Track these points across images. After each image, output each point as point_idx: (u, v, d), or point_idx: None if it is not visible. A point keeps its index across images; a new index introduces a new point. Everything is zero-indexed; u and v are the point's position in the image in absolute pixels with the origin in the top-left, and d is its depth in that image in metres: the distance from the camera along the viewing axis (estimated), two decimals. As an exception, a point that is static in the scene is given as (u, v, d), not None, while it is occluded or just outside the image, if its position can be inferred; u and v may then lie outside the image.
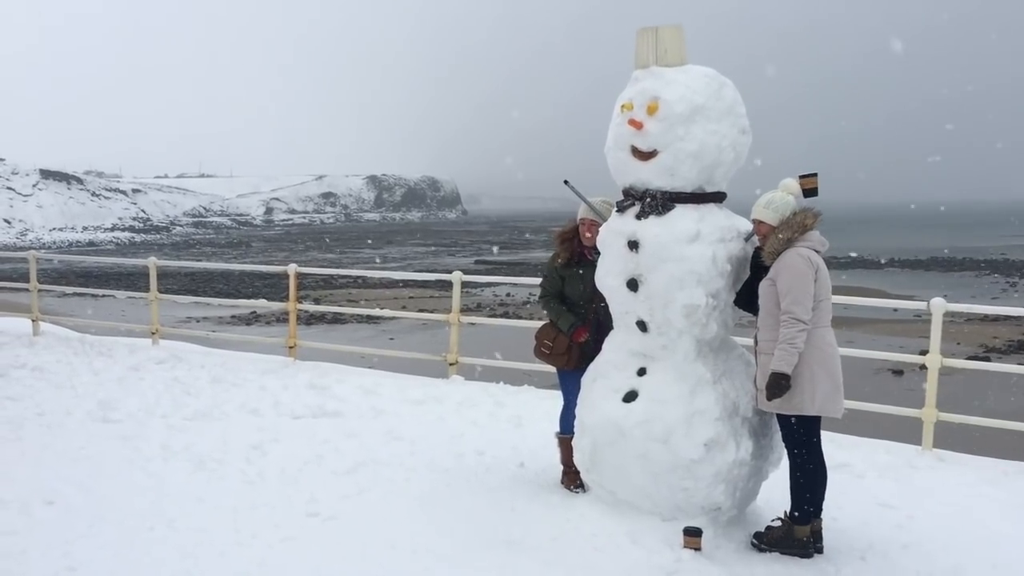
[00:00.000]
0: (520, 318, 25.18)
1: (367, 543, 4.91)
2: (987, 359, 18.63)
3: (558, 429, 5.88)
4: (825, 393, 4.67)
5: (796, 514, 4.81)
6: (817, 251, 4.74)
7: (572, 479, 5.74)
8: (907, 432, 7.61)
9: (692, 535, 4.77)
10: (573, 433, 5.54)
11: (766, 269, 4.82)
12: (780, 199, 4.80)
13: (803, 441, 4.79)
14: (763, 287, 4.78)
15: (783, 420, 4.82)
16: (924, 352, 7.36)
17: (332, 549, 4.84)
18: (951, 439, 7.50)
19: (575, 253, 5.65)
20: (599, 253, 5.32)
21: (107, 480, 5.96)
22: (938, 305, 7.09)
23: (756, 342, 4.87)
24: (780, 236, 4.70)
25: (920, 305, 7.43)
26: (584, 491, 5.60)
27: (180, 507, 5.42)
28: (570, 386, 5.74)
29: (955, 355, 15.09)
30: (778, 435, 5.11)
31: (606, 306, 5.38)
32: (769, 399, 4.69)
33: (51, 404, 8.00)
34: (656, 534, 4.87)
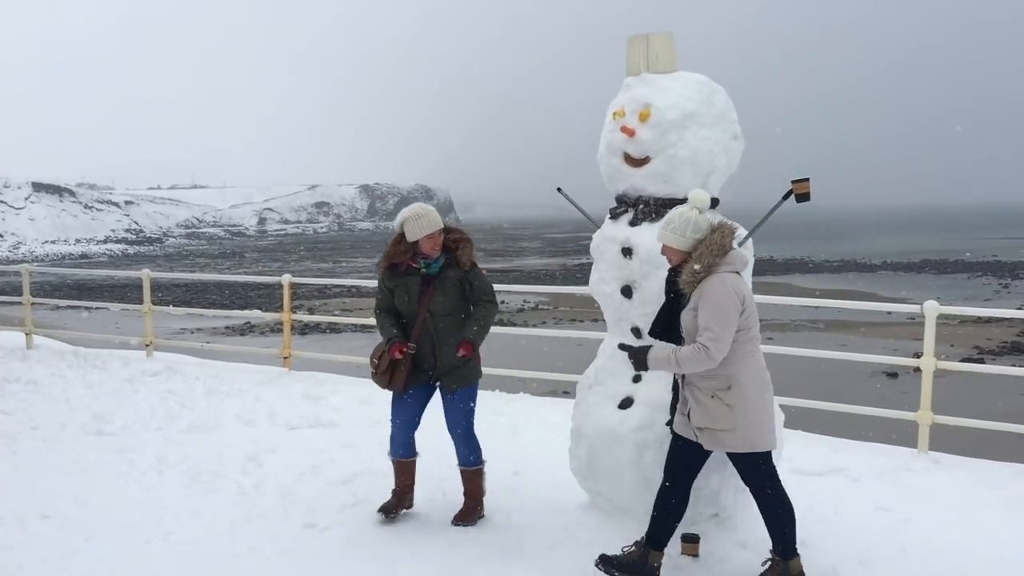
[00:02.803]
0: (515, 325, 25.20)
1: (364, 554, 4.90)
2: (981, 361, 18.69)
3: (458, 462, 5.46)
4: (771, 422, 4.36)
5: (780, 548, 4.41)
6: (738, 271, 4.32)
7: (389, 504, 5.38)
8: (902, 435, 7.62)
9: (689, 541, 4.77)
10: (403, 457, 5.40)
11: (680, 295, 4.39)
12: (678, 217, 4.31)
13: (772, 474, 4.43)
14: (686, 318, 4.31)
15: (745, 459, 4.38)
16: (918, 355, 7.38)
17: (329, 560, 4.83)
18: (947, 442, 7.51)
19: (402, 261, 5.13)
20: (427, 261, 5.09)
21: (102, 493, 5.94)
22: (931, 308, 7.11)
23: (684, 377, 4.42)
24: (702, 262, 4.20)
25: (913, 308, 7.45)
26: (391, 519, 5.30)
27: (176, 520, 5.40)
28: (396, 408, 5.37)
29: (949, 357, 15.15)
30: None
31: (439, 318, 5.11)
32: (632, 362, 4.47)
33: (45, 418, 7.97)
34: (654, 541, 4.86)
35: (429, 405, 5.43)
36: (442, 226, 5.07)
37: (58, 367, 10.48)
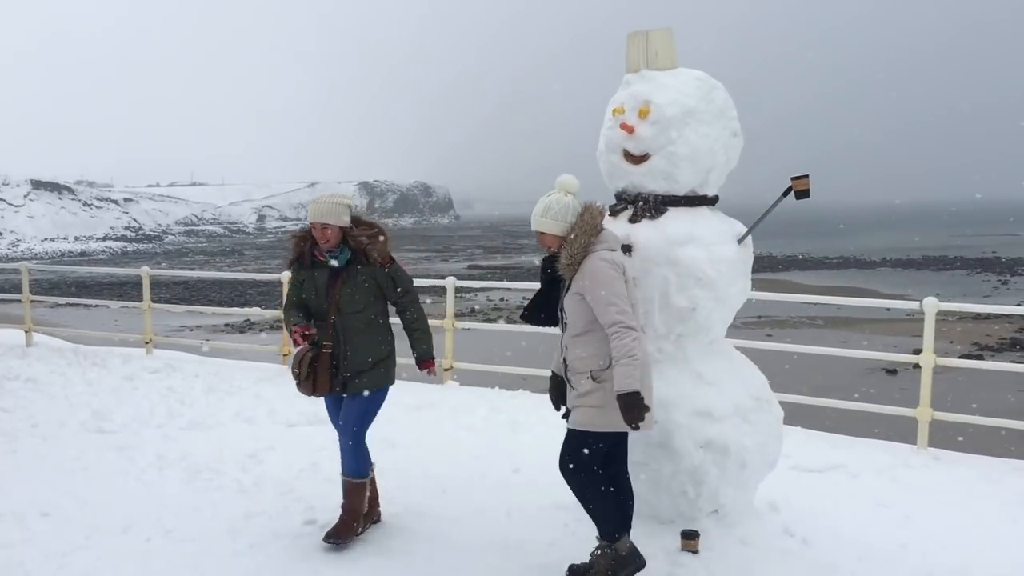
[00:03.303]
0: (514, 323, 25.22)
1: (364, 550, 4.90)
2: (980, 357, 18.72)
3: (341, 471, 5.04)
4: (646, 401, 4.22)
5: (612, 533, 4.41)
6: (613, 249, 4.30)
7: (343, 528, 4.94)
8: (902, 431, 7.63)
9: (689, 538, 4.77)
10: (360, 476, 4.96)
11: (556, 281, 4.38)
12: (557, 203, 4.31)
13: (619, 457, 4.44)
14: (571, 303, 4.26)
15: (590, 437, 4.30)
16: (917, 351, 7.38)
17: (329, 557, 4.83)
18: (946, 438, 7.52)
19: (305, 253, 4.88)
20: (332, 253, 4.80)
21: (102, 491, 5.94)
22: (931, 304, 7.11)
23: (566, 363, 4.37)
24: (577, 243, 4.20)
25: (913, 304, 7.46)
26: (360, 533, 5.01)
27: (176, 517, 5.40)
28: (333, 418, 5.06)
29: (948, 354, 15.16)
30: (776, 433, 5.12)
31: (347, 316, 4.80)
32: (630, 423, 4.08)
33: (45, 415, 7.97)
34: (654, 537, 4.87)
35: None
36: (332, 222, 4.72)
37: (57, 365, 10.48)
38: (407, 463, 6.48)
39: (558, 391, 4.63)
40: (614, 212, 5.12)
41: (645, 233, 4.86)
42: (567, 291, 4.31)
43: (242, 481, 6.12)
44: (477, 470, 6.33)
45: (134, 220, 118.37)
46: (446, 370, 9.55)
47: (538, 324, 4.62)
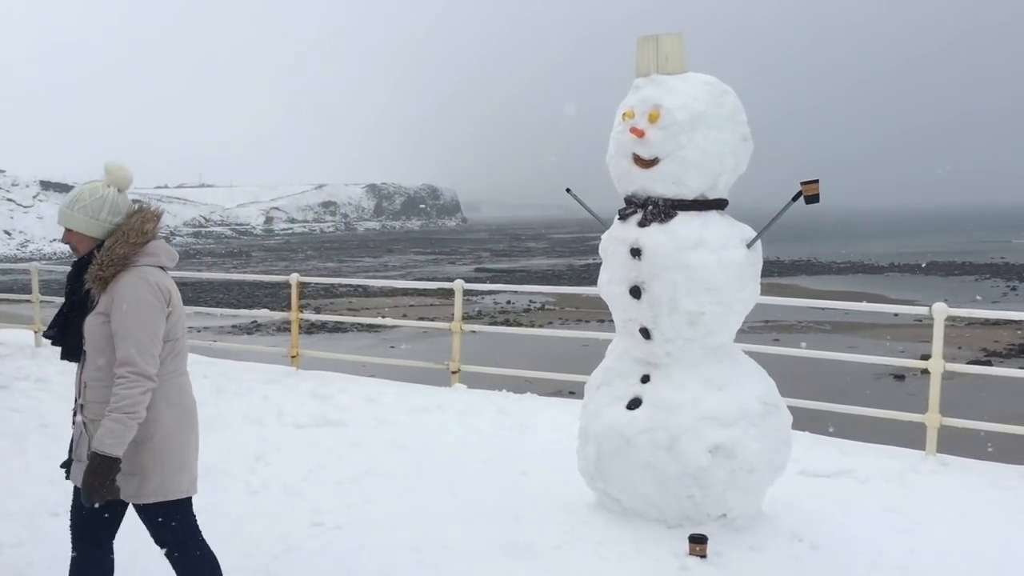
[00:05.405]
0: (521, 325, 25.22)
1: (371, 553, 4.91)
2: (988, 363, 18.64)
3: None
4: (192, 463, 3.54)
5: None
6: (164, 267, 3.46)
7: None
8: (910, 437, 7.61)
9: (697, 542, 4.77)
10: None
11: (83, 297, 3.42)
12: (91, 194, 3.39)
13: (189, 529, 3.57)
14: (93, 325, 3.34)
15: (154, 511, 3.48)
16: (925, 356, 7.36)
17: (336, 559, 4.84)
18: (954, 444, 7.50)
19: None
20: None
21: (111, 491, 5.95)
22: (940, 310, 7.09)
23: (82, 407, 3.45)
24: (115, 251, 3.30)
25: (921, 310, 7.44)
26: None
27: (184, 518, 5.41)
28: None
29: (956, 359, 15.12)
30: (784, 438, 5.11)
31: None
32: (89, 494, 3.17)
33: (54, 415, 7.99)
34: (661, 541, 4.87)
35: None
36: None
37: (67, 365, 10.44)
38: (415, 465, 6.49)
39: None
40: (623, 216, 5.13)
41: (654, 237, 4.87)
42: (92, 309, 3.37)
43: (250, 482, 6.13)
44: (485, 473, 6.33)
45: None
46: (453, 372, 9.55)
47: (62, 348, 3.66)
